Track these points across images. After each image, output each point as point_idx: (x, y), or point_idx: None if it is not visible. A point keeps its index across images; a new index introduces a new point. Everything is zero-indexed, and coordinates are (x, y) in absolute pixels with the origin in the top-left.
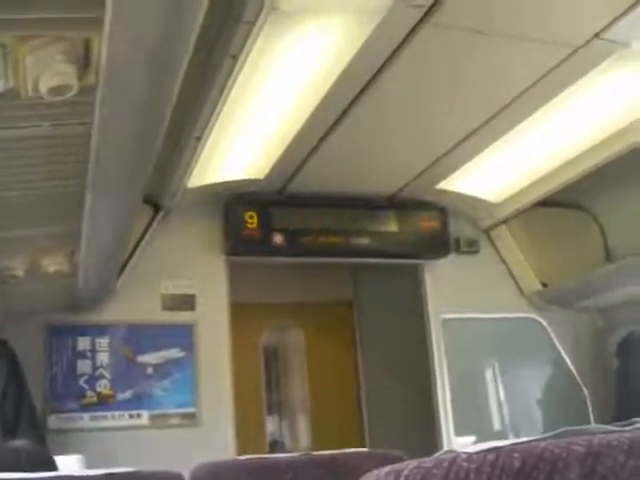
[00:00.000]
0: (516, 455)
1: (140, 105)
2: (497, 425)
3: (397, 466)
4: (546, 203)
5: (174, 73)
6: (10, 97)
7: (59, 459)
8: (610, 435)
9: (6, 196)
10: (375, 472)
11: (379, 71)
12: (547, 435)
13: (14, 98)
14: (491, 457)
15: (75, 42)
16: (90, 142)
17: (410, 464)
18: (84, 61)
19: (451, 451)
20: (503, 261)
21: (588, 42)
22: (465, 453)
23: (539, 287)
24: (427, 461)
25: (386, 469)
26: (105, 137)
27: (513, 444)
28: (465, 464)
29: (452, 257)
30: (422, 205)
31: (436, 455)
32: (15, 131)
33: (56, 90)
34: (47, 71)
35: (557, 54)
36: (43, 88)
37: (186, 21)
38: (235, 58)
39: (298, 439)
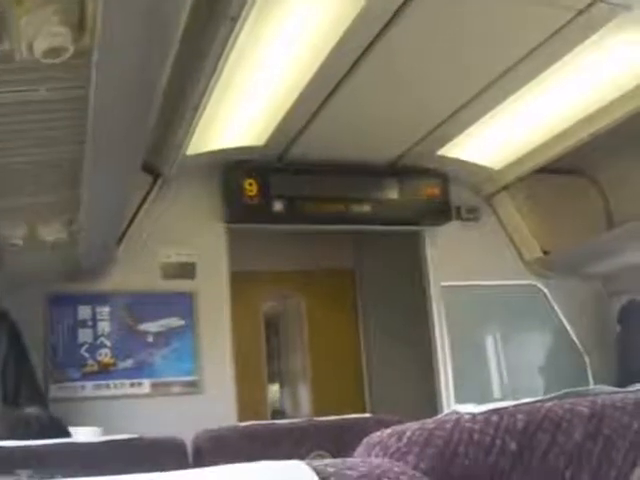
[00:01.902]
0: (520, 416)
1: (136, 67)
2: (497, 392)
3: (400, 427)
4: (548, 170)
5: (170, 34)
6: (5, 60)
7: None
8: (614, 396)
9: (2, 163)
10: (378, 434)
11: (379, 35)
12: (550, 396)
13: (9, 61)
14: (495, 418)
15: (70, 3)
16: (87, 106)
17: (413, 425)
18: (79, 22)
19: (454, 412)
20: (504, 228)
21: (591, 5)
22: (468, 414)
23: (540, 254)
24: (430, 422)
25: (388, 430)
26: (102, 100)
27: (516, 405)
28: (469, 425)
29: (453, 224)
30: (423, 172)
31: (439, 416)
32: (11, 95)
33: (51, 52)
34: (42, 32)
35: (559, 17)
36: (38, 50)
37: None
38: (234, 20)
39: (299, 407)
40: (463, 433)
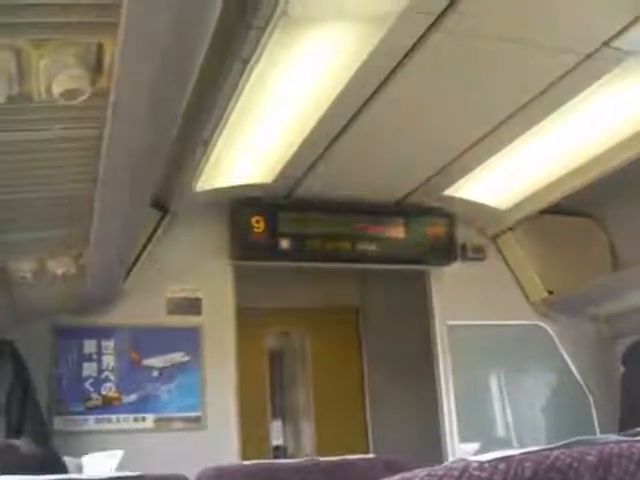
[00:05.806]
0: (528, 464)
1: (152, 109)
2: (501, 432)
3: (407, 475)
4: (553, 210)
5: (186, 78)
6: (23, 100)
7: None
8: (621, 445)
9: (16, 198)
10: None
11: (388, 78)
12: (558, 444)
13: (27, 101)
14: (502, 466)
15: (88, 46)
16: (101, 145)
17: (420, 472)
18: (97, 65)
19: (461, 460)
20: (509, 268)
21: (597, 50)
22: (476, 462)
23: (545, 294)
24: (438, 469)
25: (397, 477)
26: (116, 141)
27: (524, 453)
28: (476, 473)
29: (458, 264)
30: (429, 211)
31: (446, 464)
32: (27, 134)
33: (69, 94)
34: (60, 75)
35: (566, 62)
36: (56, 91)
37: (199, 26)
38: (246, 63)
39: (302, 444)
40: None
